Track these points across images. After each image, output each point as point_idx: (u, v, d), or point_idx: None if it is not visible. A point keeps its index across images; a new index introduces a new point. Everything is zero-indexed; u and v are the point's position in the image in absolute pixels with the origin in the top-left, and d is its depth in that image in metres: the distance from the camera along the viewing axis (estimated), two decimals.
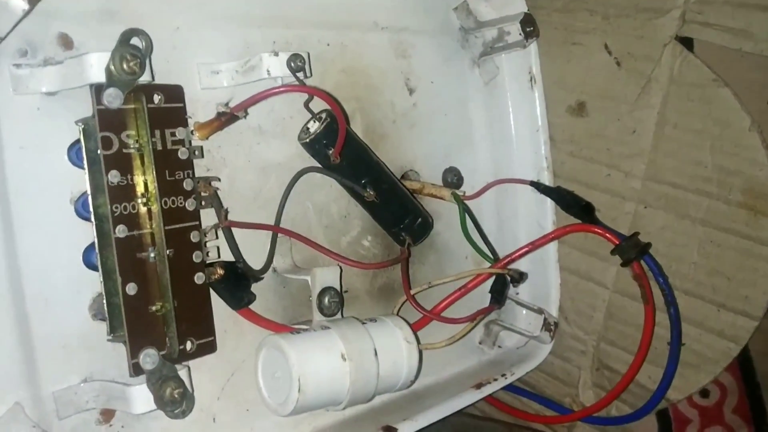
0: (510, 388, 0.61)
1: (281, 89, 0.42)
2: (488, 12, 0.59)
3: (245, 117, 0.43)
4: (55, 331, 0.39)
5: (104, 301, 0.38)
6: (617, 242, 0.52)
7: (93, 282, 0.40)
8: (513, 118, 0.61)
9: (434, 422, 0.52)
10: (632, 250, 0.51)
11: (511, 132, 0.61)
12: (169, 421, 0.43)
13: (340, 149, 0.45)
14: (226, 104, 0.43)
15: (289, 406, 0.42)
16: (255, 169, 0.48)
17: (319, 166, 0.48)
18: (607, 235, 0.52)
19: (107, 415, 0.41)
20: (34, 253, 0.38)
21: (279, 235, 0.47)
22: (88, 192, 0.38)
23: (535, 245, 0.55)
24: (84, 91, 0.40)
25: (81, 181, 0.40)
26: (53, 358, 0.39)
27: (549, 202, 0.60)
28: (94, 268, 0.40)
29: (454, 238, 0.59)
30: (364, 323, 0.46)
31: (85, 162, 0.38)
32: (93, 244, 0.40)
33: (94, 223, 0.38)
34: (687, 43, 0.53)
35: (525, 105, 0.61)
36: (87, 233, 0.40)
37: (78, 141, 0.39)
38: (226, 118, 0.41)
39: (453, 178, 0.58)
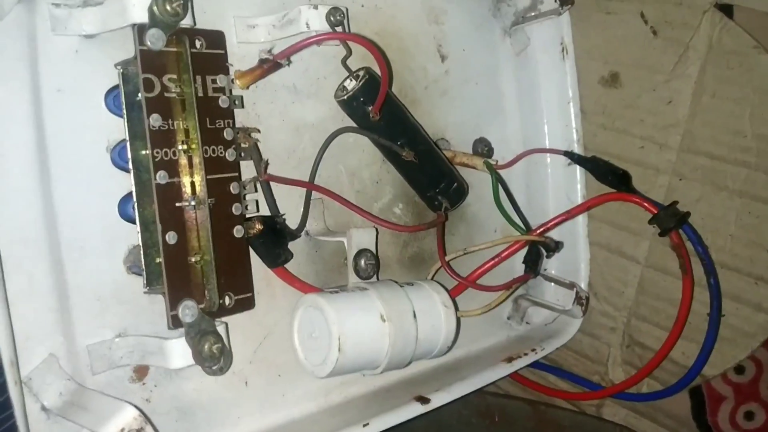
0: (537, 365, 0.60)
1: (330, 36, 0.41)
2: None
3: (288, 65, 0.42)
4: (89, 282, 0.38)
5: (141, 252, 0.37)
6: (655, 211, 0.51)
7: (128, 235, 0.39)
8: (543, 89, 0.60)
9: (459, 398, 0.51)
10: (671, 219, 0.50)
11: (542, 103, 0.60)
12: (201, 382, 0.42)
13: (380, 105, 0.43)
14: (269, 51, 0.41)
15: (328, 367, 0.40)
16: (289, 129, 0.47)
17: (355, 126, 0.47)
18: (645, 204, 0.51)
19: (141, 372, 0.40)
20: (70, 200, 0.37)
21: (312, 198, 0.45)
22: (126, 138, 0.37)
23: (571, 214, 0.54)
24: (122, 36, 0.38)
25: (117, 129, 0.39)
26: (88, 310, 0.38)
27: (578, 175, 0.59)
28: (129, 219, 0.39)
29: (484, 210, 0.58)
30: (402, 286, 0.45)
31: (123, 106, 0.37)
32: (129, 194, 0.39)
33: (132, 170, 0.37)
34: (726, 10, 0.52)
35: (556, 76, 0.60)
36: (122, 184, 0.39)
37: (116, 87, 0.38)
38: (268, 65, 0.40)
39: (483, 149, 0.57)
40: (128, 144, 0.37)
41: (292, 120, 0.47)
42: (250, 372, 0.45)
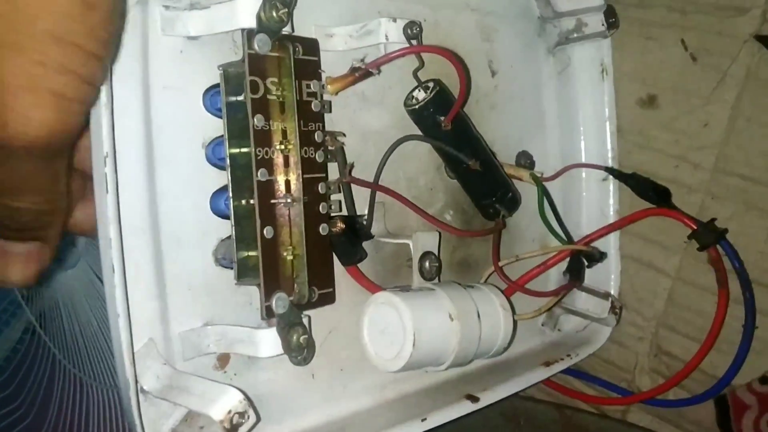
0: (567, 370, 0.62)
1: (423, 48, 0.43)
2: (565, 3, 0.61)
3: (378, 74, 0.44)
4: (183, 273, 0.40)
5: (234, 246, 0.39)
6: (695, 227, 0.54)
7: (217, 228, 0.41)
8: (582, 107, 0.63)
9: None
10: (710, 235, 0.53)
11: (580, 121, 0.63)
12: (275, 373, 0.44)
13: (453, 116, 0.46)
14: (361, 60, 0.44)
15: (401, 362, 0.42)
16: (356, 134, 0.49)
17: (421, 134, 0.49)
18: (685, 219, 0.54)
19: (223, 360, 0.42)
20: (170, 193, 0.39)
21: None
22: (225, 136, 0.39)
23: (614, 227, 0.57)
24: (220, 39, 0.41)
25: (212, 127, 0.41)
26: (181, 299, 0.39)
27: (611, 190, 0.62)
28: (219, 214, 0.41)
29: (524, 221, 0.60)
30: (465, 288, 0.47)
31: (223, 106, 0.39)
32: (220, 190, 0.41)
33: (228, 166, 0.39)
34: (764, 41, 0.55)
35: (595, 96, 0.63)
36: (214, 179, 0.41)
37: (212, 87, 0.40)
38: (360, 73, 0.42)
39: (526, 162, 0.60)
40: (225, 142, 0.39)
41: (360, 126, 0.49)
42: (317, 365, 0.46)
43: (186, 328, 0.39)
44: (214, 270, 0.41)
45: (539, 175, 0.57)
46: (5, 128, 0.26)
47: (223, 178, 0.41)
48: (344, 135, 0.44)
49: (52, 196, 0.30)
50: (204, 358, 0.41)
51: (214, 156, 0.40)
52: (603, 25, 0.58)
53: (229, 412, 0.34)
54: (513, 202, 0.53)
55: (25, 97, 0.26)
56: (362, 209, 0.47)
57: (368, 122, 0.49)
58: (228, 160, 0.39)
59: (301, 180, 0.40)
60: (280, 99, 0.39)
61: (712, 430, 0.60)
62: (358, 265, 0.48)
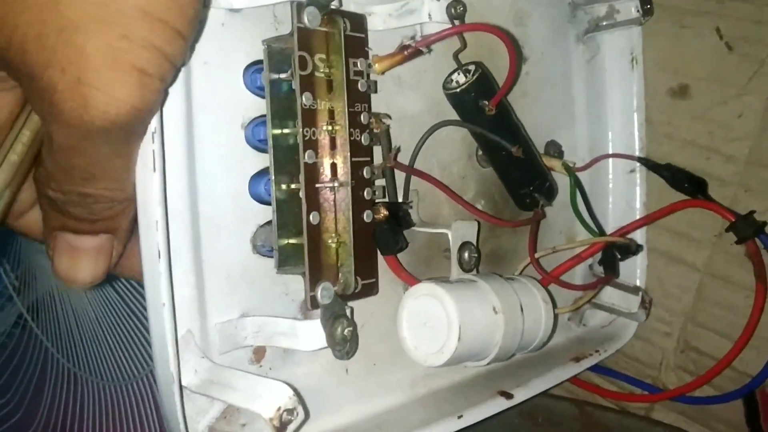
0: (594, 367, 0.61)
1: (478, 27, 0.41)
2: None
3: (429, 53, 0.42)
4: (221, 260, 0.37)
5: (275, 232, 0.37)
6: (733, 219, 0.52)
7: (255, 214, 0.39)
8: (610, 97, 0.61)
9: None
10: (749, 228, 0.52)
11: (608, 110, 0.62)
12: (310, 367, 0.42)
13: (499, 99, 0.44)
14: (412, 38, 0.41)
15: (445, 356, 0.40)
16: (392, 119, 0.47)
17: (458, 119, 0.47)
18: (724, 212, 0.53)
19: (259, 354, 0.39)
20: (209, 175, 0.37)
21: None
22: (268, 116, 0.37)
23: (651, 218, 0.55)
24: (261, 13, 0.38)
25: (253, 106, 0.38)
26: (218, 288, 0.37)
27: (638, 182, 0.61)
28: (258, 198, 0.39)
29: (551, 212, 0.58)
30: (506, 280, 0.45)
31: (267, 84, 0.37)
32: (259, 173, 0.39)
33: (271, 148, 0.37)
34: None
35: (624, 85, 0.61)
36: (253, 162, 0.39)
37: (253, 64, 0.38)
38: (410, 52, 0.40)
39: (555, 151, 0.58)
40: (268, 122, 0.37)
41: (395, 110, 0.47)
42: (350, 360, 0.44)
43: (223, 319, 0.37)
44: (252, 258, 0.39)
45: (571, 164, 0.55)
46: (86, 108, 0.25)
47: (261, 161, 0.39)
48: (389, 117, 0.42)
49: (126, 181, 0.30)
50: (240, 351, 0.38)
51: (253, 137, 0.38)
52: (638, 11, 0.57)
53: (279, 408, 0.32)
54: (551, 191, 0.51)
55: (108, 74, 0.25)
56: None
57: (403, 106, 0.47)
58: (270, 141, 0.37)
59: (349, 163, 0.37)
60: (328, 77, 0.37)
61: (741, 429, 0.58)
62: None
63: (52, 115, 0.26)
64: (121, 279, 0.77)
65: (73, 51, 0.25)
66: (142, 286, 0.49)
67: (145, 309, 0.60)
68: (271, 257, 0.38)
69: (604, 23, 0.60)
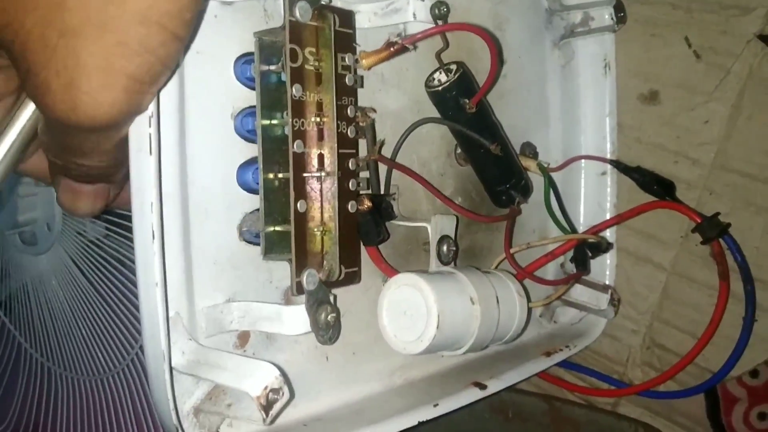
0: (563, 363, 0.62)
1: (464, 26, 0.43)
2: None
3: (414, 50, 0.43)
4: (209, 246, 0.38)
5: (262, 219, 0.38)
6: (699, 221, 0.55)
7: (242, 202, 0.40)
8: (584, 101, 0.64)
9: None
10: (714, 229, 0.54)
11: (581, 114, 0.64)
12: (291, 354, 0.43)
13: (479, 98, 0.46)
14: (398, 35, 0.43)
15: (424, 344, 0.42)
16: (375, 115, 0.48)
17: (439, 117, 0.49)
18: (691, 213, 0.55)
19: (243, 339, 0.40)
20: (199, 162, 0.37)
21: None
22: (258, 106, 0.38)
23: (622, 217, 0.57)
24: (252, 6, 0.40)
25: (242, 97, 0.39)
26: (205, 273, 0.38)
27: (609, 184, 0.63)
28: (246, 187, 0.40)
29: (525, 211, 0.60)
30: (483, 273, 0.47)
31: (257, 75, 0.38)
32: (247, 162, 0.40)
33: (259, 137, 0.38)
34: (765, 40, 0.56)
35: (597, 90, 0.63)
36: (242, 151, 0.40)
37: (244, 55, 0.39)
38: (396, 48, 0.41)
39: (530, 152, 0.60)
40: (258, 112, 0.38)
41: (378, 107, 0.48)
42: (331, 348, 0.45)
43: (210, 304, 0.38)
44: (238, 245, 0.40)
45: (546, 165, 0.57)
46: (75, 111, 0.26)
47: (249, 151, 0.40)
48: (375, 111, 0.43)
49: (117, 154, 0.31)
50: (225, 336, 0.39)
51: (242, 127, 0.39)
52: (612, 19, 0.59)
53: (266, 388, 0.33)
54: (527, 189, 0.53)
55: (99, 80, 0.26)
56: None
57: (386, 103, 0.49)
58: (259, 132, 0.38)
59: (335, 154, 0.39)
60: (317, 70, 0.38)
61: (702, 423, 0.61)
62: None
63: (43, 109, 0.28)
64: (97, 272, 0.77)
65: (70, 55, 0.26)
66: (120, 273, 0.50)
67: (120, 302, 0.60)
68: (257, 244, 0.39)
69: (579, 30, 0.62)
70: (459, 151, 0.53)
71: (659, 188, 0.57)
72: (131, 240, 0.50)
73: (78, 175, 0.33)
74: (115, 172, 0.33)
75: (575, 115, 0.64)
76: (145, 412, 0.62)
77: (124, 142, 0.31)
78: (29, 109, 0.31)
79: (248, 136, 0.39)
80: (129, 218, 0.46)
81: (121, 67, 0.26)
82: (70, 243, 0.69)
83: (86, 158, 0.31)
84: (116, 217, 0.53)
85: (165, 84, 0.30)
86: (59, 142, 0.31)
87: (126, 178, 0.33)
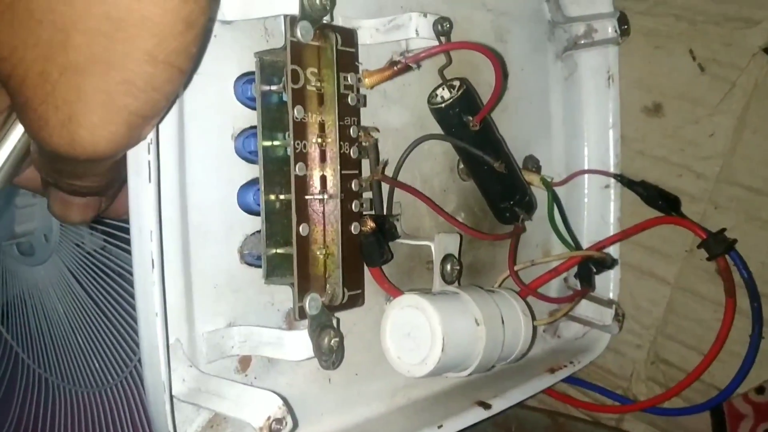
0: (567, 378, 0.62)
1: (468, 45, 0.42)
2: (574, 8, 0.61)
3: (418, 69, 0.42)
4: (209, 269, 0.38)
5: (263, 243, 0.37)
6: (705, 237, 0.54)
7: (243, 224, 0.39)
8: (587, 113, 0.63)
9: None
10: (720, 245, 0.53)
11: (584, 127, 0.63)
12: (293, 377, 0.43)
13: (484, 116, 0.45)
14: (401, 54, 0.42)
15: (429, 366, 0.41)
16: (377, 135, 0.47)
17: (442, 133, 0.48)
18: (696, 229, 0.54)
19: (244, 363, 0.40)
20: (199, 184, 0.37)
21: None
22: (259, 127, 0.37)
23: (626, 234, 0.57)
24: (252, 26, 0.39)
25: (243, 117, 0.39)
26: (205, 297, 0.37)
27: (612, 198, 0.62)
28: (246, 209, 0.39)
29: (528, 226, 0.59)
30: (487, 292, 0.46)
31: (258, 96, 0.37)
32: (247, 184, 0.39)
33: (261, 159, 0.37)
34: None
35: (600, 102, 0.62)
36: (242, 173, 0.39)
37: (244, 75, 0.38)
38: (399, 67, 0.40)
39: (533, 166, 0.59)
40: (259, 133, 0.37)
41: (380, 124, 0.47)
42: (333, 370, 0.45)
43: (210, 329, 0.37)
44: (239, 267, 0.39)
45: (549, 179, 0.57)
46: (72, 145, 0.26)
47: (250, 172, 0.39)
48: (378, 131, 0.43)
49: (109, 175, 0.31)
50: (226, 361, 0.39)
51: (243, 149, 0.38)
52: (616, 32, 0.58)
53: (269, 418, 0.33)
54: (530, 206, 0.52)
55: (100, 116, 0.26)
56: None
57: (388, 120, 0.48)
58: (261, 153, 0.37)
59: (338, 175, 0.38)
60: (319, 90, 0.37)
61: None
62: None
63: (38, 142, 0.27)
64: (95, 283, 0.77)
65: (72, 91, 0.25)
66: (118, 284, 0.49)
67: (118, 313, 0.60)
68: (258, 267, 0.39)
69: (582, 42, 0.61)
70: (461, 166, 0.52)
71: (664, 203, 0.56)
72: (129, 252, 0.50)
73: (70, 191, 0.33)
74: (106, 190, 0.34)
75: (578, 128, 0.63)
76: (143, 424, 0.61)
77: (117, 165, 0.31)
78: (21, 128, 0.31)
79: (249, 157, 0.38)
80: (127, 230, 0.46)
81: (124, 104, 0.26)
82: (68, 254, 0.68)
83: (80, 180, 0.31)
84: (114, 228, 0.52)
85: (165, 115, 0.30)
86: (52, 166, 0.31)
87: (118, 189, 0.34)
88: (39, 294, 0.83)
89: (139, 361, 0.58)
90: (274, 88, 0.37)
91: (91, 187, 0.33)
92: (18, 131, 0.31)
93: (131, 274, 0.52)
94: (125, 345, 0.61)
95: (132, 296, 0.54)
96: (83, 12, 0.24)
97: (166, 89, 0.27)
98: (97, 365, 0.75)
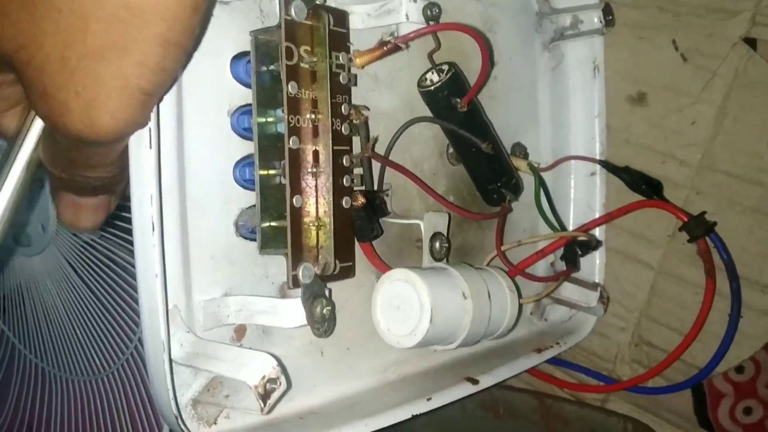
0: (553, 360, 0.63)
1: (455, 26, 0.44)
2: (562, 0, 0.63)
3: (407, 49, 0.44)
4: (205, 240, 0.39)
5: (258, 215, 0.39)
6: (686, 219, 0.56)
7: (238, 198, 0.41)
8: (573, 103, 0.65)
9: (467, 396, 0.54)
10: (700, 228, 0.55)
11: (570, 116, 0.65)
12: (286, 349, 0.44)
13: (471, 97, 0.47)
14: (391, 34, 0.44)
15: (417, 338, 0.43)
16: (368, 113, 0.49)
17: (431, 116, 0.50)
18: (678, 212, 0.56)
19: (240, 333, 0.41)
20: (196, 157, 0.38)
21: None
22: (254, 104, 0.39)
23: (611, 216, 0.59)
24: (248, 6, 0.40)
25: (239, 95, 0.40)
26: (202, 267, 0.39)
27: (598, 185, 0.64)
28: (242, 184, 0.40)
29: (515, 211, 0.61)
30: (475, 268, 0.47)
31: (253, 74, 0.39)
32: (243, 159, 0.40)
33: (255, 135, 0.39)
34: (751, 43, 0.58)
35: (586, 92, 0.64)
36: (237, 148, 0.40)
37: (240, 54, 0.40)
38: (389, 47, 0.42)
39: (521, 153, 0.61)
40: (254, 110, 0.39)
41: (371, 107, 0.49)
42: (325, 343, 0.46)
43: (207, 298, 0.39)
44: (234, 240, 0.40)
45: (536, 165, 0.58)
46: (93, 128, 0.27)
47: (246, 148, 0.40)
48: (368, 109, 0.44)
49: (121, 164, 0.32)
50: (221, 330, 0.40)
51: (238, 125, 0.40)
52: (601, 22, 0.60)
53: (263, 377, 0.34)
54: (517, 187, 0.54)
55: (118, 99, 0.27)
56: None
57: (380, 104, 0.49)
58: (255, 129, 0.38)
59: (330, 150, 0.39)
60: (312, 68, 0.39)
61: (690, 418, 0.62)
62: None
63: (58, 128, 0.28)
64: (92, 273, 0.78)
65: (91, 77, 0.27)
66: (115, 273, 0.50)
67: (115, 302, 0.61)
68: (253, 240, 0.40)
69: (569, 32, 0.63)
70: (451, 150, 0.54)
71: (647, 188, 0.58)
72: (126, 241, 0.51)
73: (82, 187, 0.33)
74: (119, 181, 0.34)
75: (565, 117, 0.65)
76: (140, 411, 0.63)
77: (125, 152, 0.32)
78: (32, 138, 0.32)
79: (244, 133, 0.40)
80: (124, 219, 0.47)
81: (138, 85, 0.27)
82: (65, 244, 0.69)
83: (93, 170, 0.32)
84: (111, 218, 0.53)
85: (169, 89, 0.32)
86: (66, 157, 0.32)
87: (126, 187, 0.34)
88: (36, 285, 0.84)
89: (136, 348, 0.60)
90: (269, 66, 0.38)
91: (105, 178, 0.33)
92: (30, 142, 0.32)
93: (128, 263, 0.53)
94: (121, 332, 0.62)
95: (129, 285, 0.55)
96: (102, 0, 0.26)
97: (173, 68, 0.28)
98: (93, 354, 0.76)
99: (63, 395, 0.82)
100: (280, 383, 0.34)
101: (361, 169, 0.44)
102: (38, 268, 0.78)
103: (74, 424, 0.79)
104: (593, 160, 0.61)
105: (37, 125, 0.32)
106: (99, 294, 0.79)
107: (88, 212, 0.35)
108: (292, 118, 0.38)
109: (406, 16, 0.45)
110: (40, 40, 0.26)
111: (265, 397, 0.34)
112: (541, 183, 0.58)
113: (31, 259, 0.77)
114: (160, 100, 0.32)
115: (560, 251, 0.59)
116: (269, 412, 0.34)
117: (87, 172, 0.32)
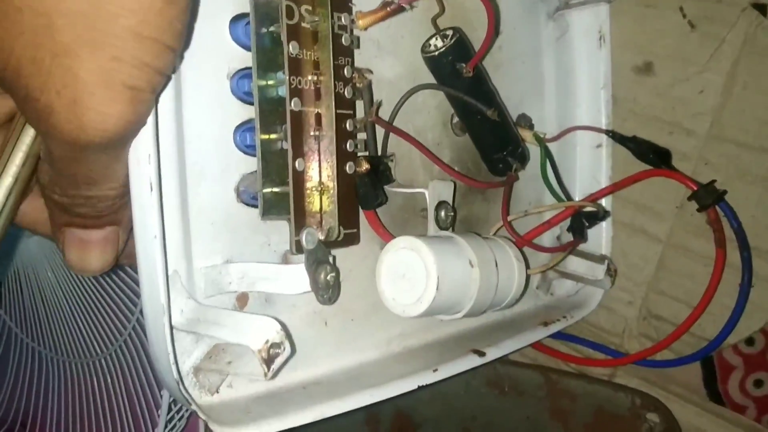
0: (555, 334, 0.62)
1: None
2: None
3: (411, 10, 0.43)
4: (206, 206, 0.38)
5: (259, 181, 0.38)
6: (695, 188, 0.55)
7: (238, 163, 0.40)
8: (578, 73, 0.63)
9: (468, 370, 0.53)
10: (710, 196, 0.54)
11: (576, 87, 0.64)
12: (290, 317, 0.43)
13: (477, 61, 0.45)
14: None
15: (423, 306, 0.42)
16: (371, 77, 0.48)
17: (435, 83, 0.49)
18: (687, 181, 0.55)
19: (242, 300, 0.40)
20: (195, 122, 0.37)
21: None
22: (254, 66, 0.38)
23: (618, 186, 0.58)
24: None
25: (238, 58, 0.39)
26: (203, 233, 0.38)
27: (604, 157, 0.63)
28: (242, 149, 0.39)
29: (521, 182, 0.60)
30: (482, 237, 0.47)
31: (253, 35, 0.38)
32: (243, 124, 0.39)
33: (256, 98, 0.38)
34: (761, 9, 0.56)
35: (591, 63, 0.63)
36: (237, 113, 0.39)
37: (239, 16, 0.39)
38: (392, 8, 0.41)
39: (526, 124, 0.60)
40: (254, 72, 0.38)
41: (374, 74, 0.48)
42: (329, 314, 0.45)
43: (208, 264, 0.38)
44: (235, 206, 0.39)
45: (543, 136, 0.57)
46: (83, 128, 0.26)
47: (246, 112, 0.40)
48: (371, 72, 0.43)
49: (125, 179, 0.31)
50: (223, 298, 0.39)
51: (238, 89, 0.39)
52: None
53: (267, 342, 0.33)
54: (524, 156, 0.53)
55: (102, 94, 0.26)
56: None
57: (382, 71, 0.48)
58: (256, 92, 0.37)
59: (333, 113, 0.38)
60: (314, 28, 0.38)
61: (699, 391, 0.61)
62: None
63: (50, 133, 0.27)
64: None
65: (68, 74, 0.25)
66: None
67: (114, 283, 0.60)
68: (255, 207, 0.39)
69: (574, 1, 0.62)
70: (455, 120, 0.53)
71: (655, 157, 0.57)
72: None
73: (86, 214, 0.32)
74: (124, 205, 0.32)
75: (570, 88, 0.64)
76: (138, 393, 0.62)
77: (127, 165, 0.31)
78: (23, 150, 0.31)
79: (244, 97, 0.39)
80: None
81: (120, 80, 0.26)
82: None
83: (95, 187, 0.31)
84: None
85: (162, 91, 0.30)
86: (65, 174, 0.30)
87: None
88: (33, 268, 0.83)
89: (134, 328, 0.59)
90: (269, 28, 0.37)
91: (108, 197, 0.32)
92: (20, 154, 0.31)
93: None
94: (119, 313, 0.61)
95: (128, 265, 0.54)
96: None
97: (156, 64, 0.27)
98: (90, 336, 0.76)
99: (60, 378, 0.81)
100: (284, 348, 0.34)
101: (364, 134, 0.43)
102: (35, 250, 0.77)
103: (71, 406, 0.78)
104: (599, 130, 0.60)
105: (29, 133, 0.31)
106: (97, 276, 0.79)
107: (97, 249, 0.33)
108: (293, 80, 0.37)
109: None
110: (9, 44, 0.25)
111: (268, 362, 0.33)
112: (547, 154, 0.57)
113: (27, 240, 0.76)
114: (158, 95, 0.30)
115: (567, 223, 0.58)
116: (273, 377, 0.33)
117: (89, 191, 0.31)
